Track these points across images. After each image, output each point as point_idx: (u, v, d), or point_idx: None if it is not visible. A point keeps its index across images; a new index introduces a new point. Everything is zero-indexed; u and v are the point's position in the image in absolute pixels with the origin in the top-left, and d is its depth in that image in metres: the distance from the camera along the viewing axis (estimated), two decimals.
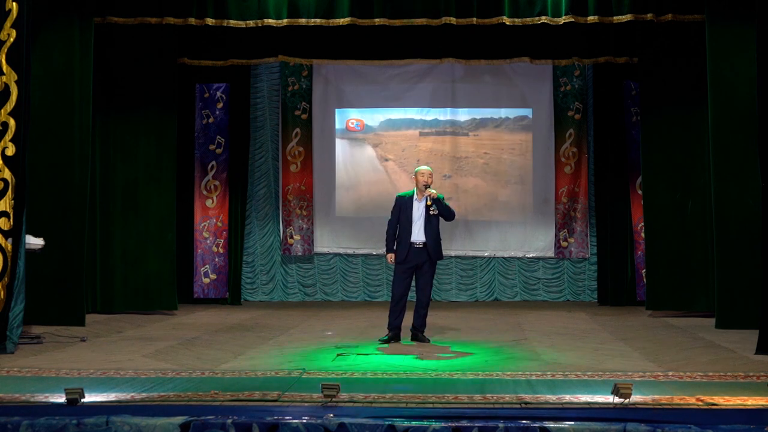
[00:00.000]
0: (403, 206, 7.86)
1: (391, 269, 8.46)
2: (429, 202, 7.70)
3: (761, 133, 7.33)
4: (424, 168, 7.91)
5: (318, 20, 9.68)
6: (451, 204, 8.10)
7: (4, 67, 7.61)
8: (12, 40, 7.63)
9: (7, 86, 7.61)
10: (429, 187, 7.74)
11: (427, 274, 7.85)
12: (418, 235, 7.77)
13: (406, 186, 10.82)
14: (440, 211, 7.77)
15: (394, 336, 7.82)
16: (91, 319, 9.69)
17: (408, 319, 7.95)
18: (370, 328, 8.93)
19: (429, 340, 7.81)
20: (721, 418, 4.63)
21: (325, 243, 12.48)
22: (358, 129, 12.54)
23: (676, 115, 10.22)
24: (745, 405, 5.04)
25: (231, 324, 9.56)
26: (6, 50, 7.63)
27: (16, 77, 7.62)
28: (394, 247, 7.87)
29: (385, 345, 7.70)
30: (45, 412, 4.77)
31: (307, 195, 12.41)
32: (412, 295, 8.01)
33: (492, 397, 5.30)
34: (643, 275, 11.00)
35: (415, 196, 7.83)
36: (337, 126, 12.53)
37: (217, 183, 11.97)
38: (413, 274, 7.89)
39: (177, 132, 10.82)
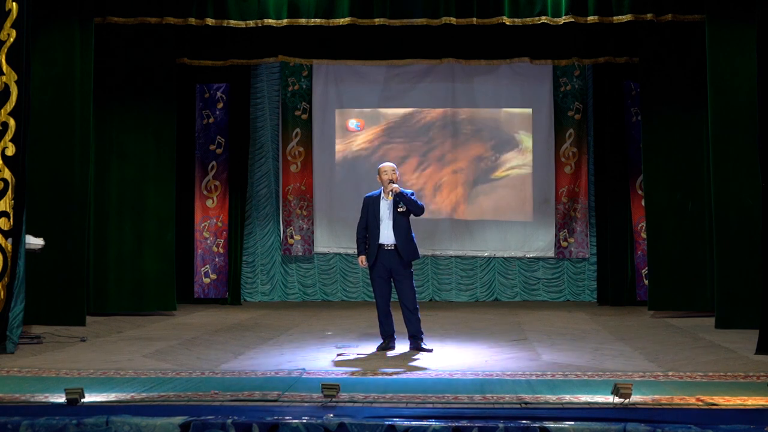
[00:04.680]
0: (370, 206, 7.44)
1: None
2: (390, 197, 7.33)
3: (761, 133, 7.33)
4: (386, 164, 7.54)
5: (318, 20, 9.69)
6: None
7: (4, 67, 7.62)
8: (12, 40, 7.64)
9: (7, 86, 7.61)
10: (393, 182, 7.38)
11: (404, 278, 7.36)
12: (386, 236, 7.32)
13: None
14: (407, 206, 7.34)
15: (388, 344, 7.49)
16: (91, 319, 9.68)
17: (402, 325, 7.58)
18: (370, 328, 8.91)
19: (431, 350, 7.37)
20: (721, 418, 4.63)
21: (325, 243, 12.49)
22: (358, 129, 12.54)
23: (676, 115, 10.21)
24: (745, 405, 5.04)
25: (231, 324, 9.56)
26: (6, 50, 7.63)
27: (16, 77, 7.63)
28: (365, 250, 7.51)
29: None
30: (45, 412, 4.77)
31: (307, 195, 12.42)
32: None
33: (492, 397, 5.30)
34: (643, 275, 11.00)
35: (382, 195, 7.43)
36: (337, 126, 12.53)
37: (217, 183, 11.98)
38: (390, 278, 7.42)
39: (177, 132, 10.80)
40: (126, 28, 10.11)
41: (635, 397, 5.03)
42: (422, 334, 7.51)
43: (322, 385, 5.15)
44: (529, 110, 12.36)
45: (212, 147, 11.98)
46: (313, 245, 12.44)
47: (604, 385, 5.50)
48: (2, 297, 7.46)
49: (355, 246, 7.71)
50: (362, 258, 7.54)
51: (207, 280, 11.88)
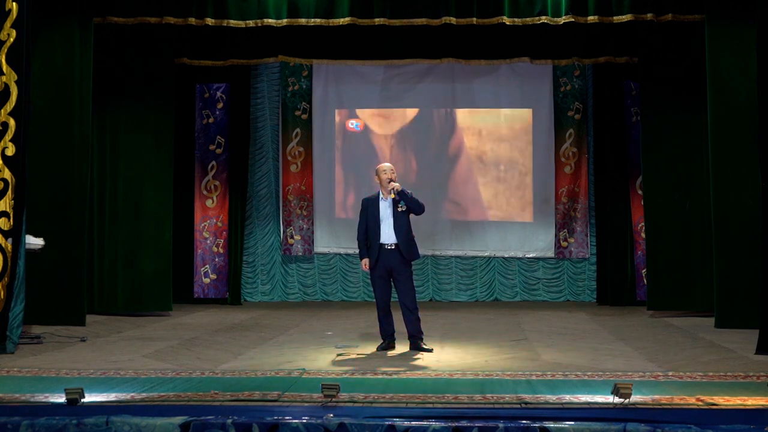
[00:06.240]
0: (369, 208, 7.46)
1: None
2: (393, 195, 7.34)
3: (761, 133, 7.33)
4: (385, 165, 7.56)
5: (318, 20, 9.68)
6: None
7: (4, 67, 7.62)
8: (12, 40, 7.64)
9: (7, 86, 7.61)
10: (392, 181, 7.37)
11: (404, 277, 7.38)
12: (388, 236, 7.34)
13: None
14: (408, 205, 7.36)
15: (388, 344, 7.50)
16: (91, 319, 9.68)
17: (402, 325, 7.57)
18: (370, 328, 8.91)
19: (431, 350, 7.37)
20: (721, 418, 4.63)
21: (325, 243, 12.49)
22: (358, 129, 12.54)
23: (676, 115, 10.21)
24: (745, 405, 5.04)
25: (231, 324, 9.56)
26: (6, 50, 7.63)
27: (16, 77, 7.63)
28: (367, 252, 7.50)
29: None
30: (45, 412, 4.77)
31: (307, 195, 12.42)
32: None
33: (492, 397, 5.31)
34: (643, 275, 11.00)
35: (381, 196, 7.46)
36: (337, 126, 12.53)
37: (217, 183, 11.97)
38: (390, 278, 7.43)
39: (177, 132, 10.79)
40: (126, 28, 10.11)
41: (635, 397, 5.03)
42: (422, 333, 7.50)
43: (322, 385, 5.15)
44: (529, 110, 12.36)
45: (212, 147, 11.98)
46: (313, 245, 12.44)
47: (604, 385, 5.50)
48: (2, 297, 7.46)
49: (356, 246, 7.72)
50: (365, 261, 7.50)
51: (207, 280, 11.88)
